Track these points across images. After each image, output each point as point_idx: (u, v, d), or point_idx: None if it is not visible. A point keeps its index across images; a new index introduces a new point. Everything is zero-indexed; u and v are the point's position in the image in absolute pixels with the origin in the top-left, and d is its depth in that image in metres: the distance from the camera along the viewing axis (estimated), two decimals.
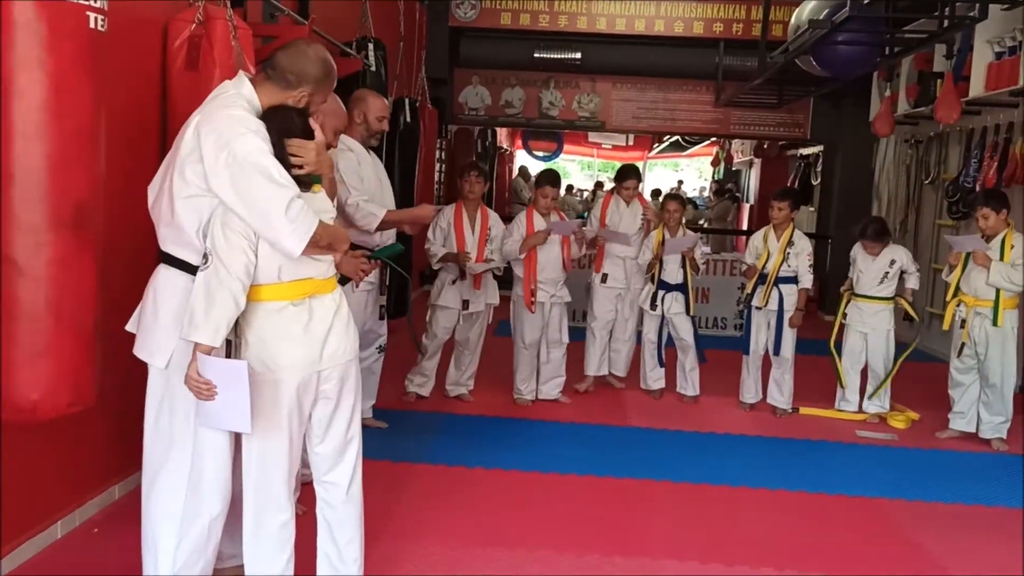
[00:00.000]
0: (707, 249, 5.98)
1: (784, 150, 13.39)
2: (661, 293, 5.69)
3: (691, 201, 16.91)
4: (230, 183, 2.36)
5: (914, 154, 8.70)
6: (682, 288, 5.67)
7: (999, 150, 6.73)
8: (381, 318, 4.51)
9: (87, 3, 2.43)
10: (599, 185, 20.58)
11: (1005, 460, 4.90)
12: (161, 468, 2.54)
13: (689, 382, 5.81)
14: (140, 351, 2.57)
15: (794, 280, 5.48)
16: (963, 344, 5.11)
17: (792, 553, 3.53)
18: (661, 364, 5.84)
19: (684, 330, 5.71)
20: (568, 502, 3.96)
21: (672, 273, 5.67)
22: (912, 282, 5.49)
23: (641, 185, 6.41)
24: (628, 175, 5.91)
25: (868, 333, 5.52)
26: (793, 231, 5.50)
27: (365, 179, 4.16)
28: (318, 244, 2.45)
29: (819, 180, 11.14)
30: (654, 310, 5.72)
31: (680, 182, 21.70)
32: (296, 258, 2.43)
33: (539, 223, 5.36)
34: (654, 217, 5.85)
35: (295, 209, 2.37)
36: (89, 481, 3.38)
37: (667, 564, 3.37)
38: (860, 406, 5.61)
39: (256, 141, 2.39)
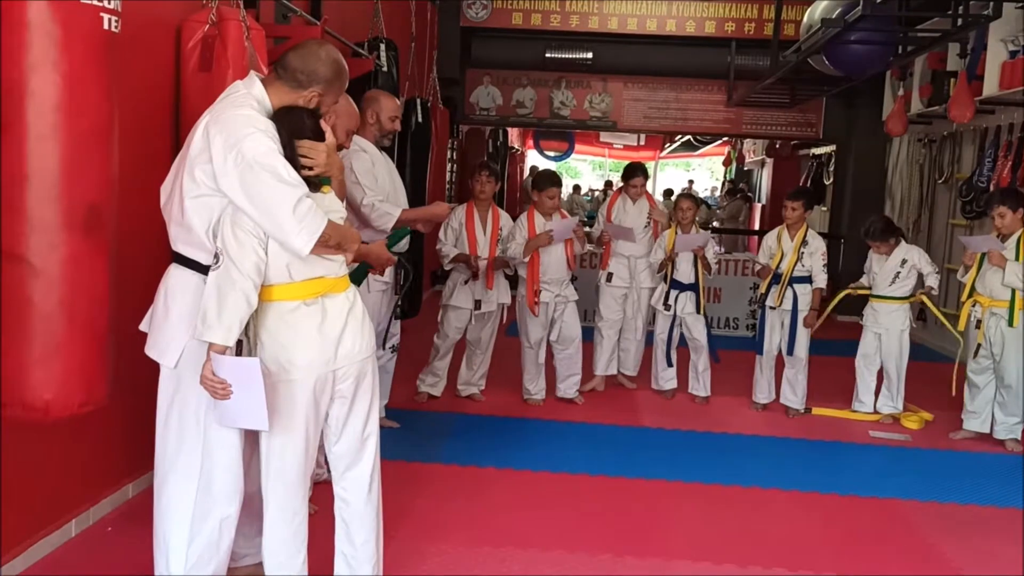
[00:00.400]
0: (720, 249, 5.96)
1: (796, 150, 13.33)
2: (675, 293, 5.68)
3: (703, 201, 16.84)
4: (239, 183, 2.37)
5: (927, 153, 8.65)
6: (694, 288, 5.66)
7: (1013, 149, 6.68)
8: (396, 318, 4.52)
9: (101, 4, 2.44)
10: (609, 184, 20.56)
11: (1019, 461, 4.87)
12: (172, 467, 2.55)
13: (701, 383, 5.80)
14: (151, 350, 2.58)
15: (808, 280, 5.45)
16: (979, 345, 5.07)
17: (805, 554, 3.52)
18: (669, 364, 5.82)
19: (697, 330, 5.69)
20: (580, 502, 3.96)
21: (685, 273, 5.65)
22: (931, 280, 5.45)
23: (649, 183, 6.41)
24: (635, 173, 5.92)
25: (882, 334, 5.50)
26: (807, 231, 5.48)
27: (379, 179, 4.18)
28: (327, 243, 2.45)
29: (831, 180, 11.09)
30: (667, 310, 5.70)
31: (691, 181, 21.62)
32: (306, 257, 2.44)
33: (540, 224, 5.35)
34: (660, 217, 5.84)
35: (303, 208, 2.37)
36: (103, 480, 3.40)
37: (680, 564, 3.36)
38: (875, 406, 5.58)
39: (265, 141, 2.39)
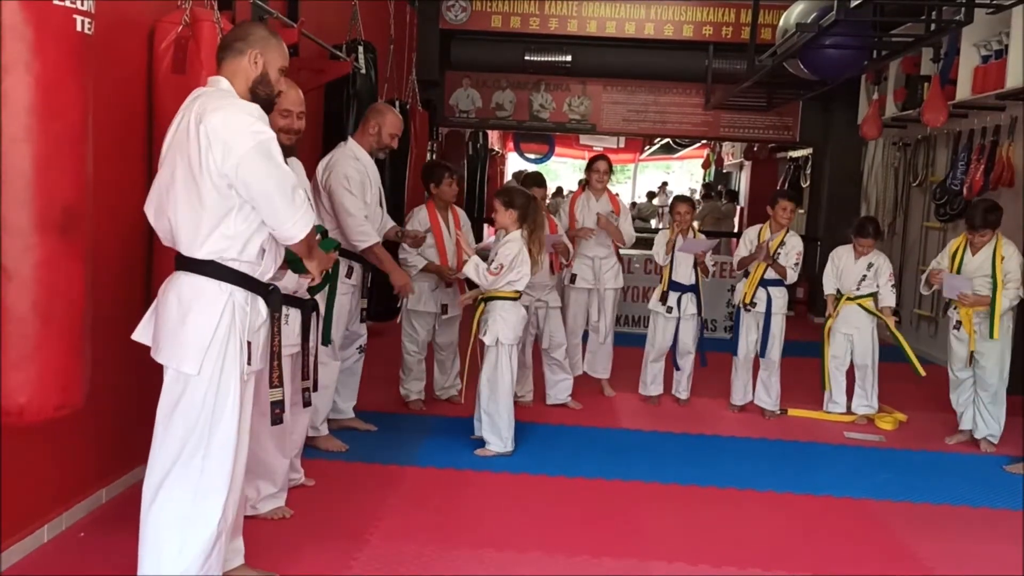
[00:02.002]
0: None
1: (774, 153, 13.43)
2: (675, 295, 5.65)
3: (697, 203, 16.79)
4: (239, 169, 2.46)
5: (902, 157, 8.75)
6: (694, 289, 5.65)
7: (986, 153, 6.77)
8: (362, 321, 4.53)
9: (74, 6, 2.43)
10: (581, 184, 20.56)
11: (991, 461, 4.93)
12: (170, 471, 2.53)
13: (684, 385, 5.80)
14: (168, 359, 2.55)
15: (782, 283, 5.50)
16: (971, 352, 5.03)
17: (779, 554, 3.55)
18: (676, 367, 5.78)
19: (690, 333, 5.69)
20: (558, 504, 3.97)
21: (685, 275, 5.64)
22: (887, 297, 5.49)
23: (629, 185, 6.39)
24: (598, 158, 5.92)
25: (853, 334, 5.56)
26: (787, 231, 5.53)
27: (366, 191, 4.23)
28: (309, 244, 2.65)
29: (808, 183, 11.19)
30: (669, 312, 5.66)
31: (664, 183, 21.68)
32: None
33: None
34: (606, 227, 5.73)
35: (300, 197, 2.58)
36: (76, 485, 3.36)
37: (655, 565, 3.38)
38: (848, 407, 5.64)
39: (265, 128, 2.52)
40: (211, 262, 2.52)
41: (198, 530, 2.54)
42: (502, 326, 4.50)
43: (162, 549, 2.53)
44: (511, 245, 4.45)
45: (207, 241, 2.51)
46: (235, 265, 2.55)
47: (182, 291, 2.55)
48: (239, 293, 2.55)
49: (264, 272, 2.64)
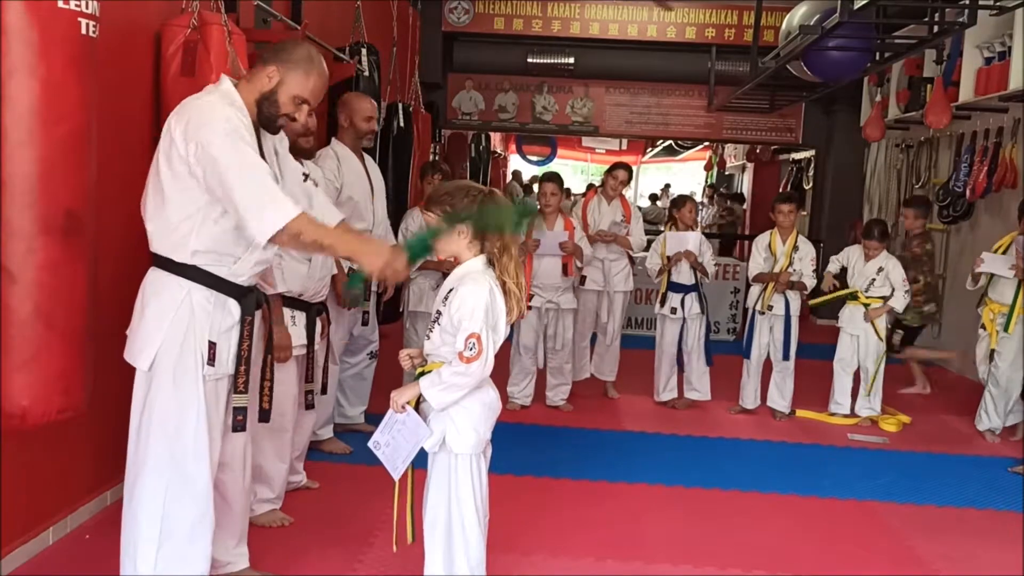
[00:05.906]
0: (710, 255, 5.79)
1: (776, 155, 13.42)
2: (678, 296, 5.63)
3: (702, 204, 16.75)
4: (202, 172, 2.38)
5: (905, 159, 8.74)
6: (696, 288, 5.65)
7: (989, 154, 6.76)
8: (364, 324, 4.48)
9: (79, 9, 2.43)
10: (592, 188, 20.52)
11: (996, 462, 4.92)
12: (143, 469, 2.53)
13: (698, 386, 5.74)
14: (127, 353, 2.56)
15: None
16: (993, 351, 5.11)
17: (785, 556, 3.54)
18: (681, 370, 5.76)
19: (697, 333, 5.67)
20: (562, 506, 3.96)
21: (686, 275, 5.63)
22: (898, 301, 5.48)
23: (631, 188, 6.41)
24: (619, 166, 5.93)
25: (860, 335, 5.55)
26: (798, 236, 5.53)
27: (346, 186, 4.12)
28: (300, 239, 2.42)
29: (811, 185, 11.18)
30: (673, 314, 5.65)
31: (667, 185, 21.63)
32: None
33: (539, 228, 5.30)
34: (619, 241, 5.77)
35: (264, 192, 2.37)
36: (81, 487, 3.37)
37: (660, 567, 3.38)
38: (852, 409, 5.63)
39: (222, 125, 2.39)
40: (171, 259, 2.48)
41: (173, 530, 2.52)
42: (461, 422, 2.73)
43: (138, 545, 2.52)
44: (474, 293, 2.70)
45: (167, 236, 2.47)
46: (200, 263, 2.47)
47: (145, 286, 2.55)
48: (200, 291, 2.48)
49: (237, 273, 2.54)
